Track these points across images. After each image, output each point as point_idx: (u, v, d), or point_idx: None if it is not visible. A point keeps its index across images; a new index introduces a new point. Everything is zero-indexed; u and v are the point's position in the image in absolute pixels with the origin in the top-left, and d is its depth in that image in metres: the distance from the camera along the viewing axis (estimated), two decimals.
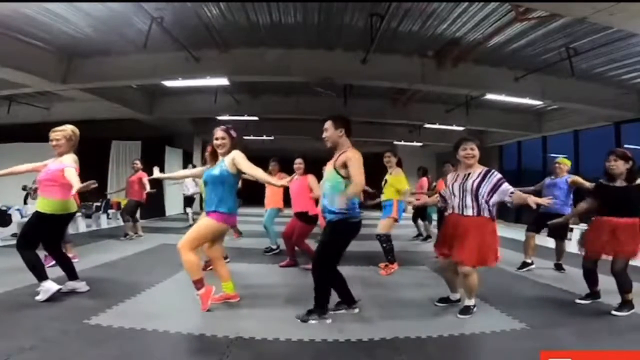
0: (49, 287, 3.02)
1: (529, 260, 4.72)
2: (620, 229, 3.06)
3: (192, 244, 2.92)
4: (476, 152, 2.98)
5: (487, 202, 2.89)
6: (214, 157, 3.13)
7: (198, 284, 2.94)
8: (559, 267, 4.74)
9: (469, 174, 2.99)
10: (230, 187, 3.02)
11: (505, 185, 2.85)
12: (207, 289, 2.97)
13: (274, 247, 5.55)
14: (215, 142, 3.08)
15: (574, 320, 2.93)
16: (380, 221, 4.62)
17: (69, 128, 3.24)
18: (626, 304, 3.07)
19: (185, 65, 6.24)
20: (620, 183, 3.13)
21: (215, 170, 3.00)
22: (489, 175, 2.92)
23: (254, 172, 2.94)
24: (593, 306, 3.26)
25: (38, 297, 2.99)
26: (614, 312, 3.05)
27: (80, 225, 7.24)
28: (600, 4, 3.58)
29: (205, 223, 2.99)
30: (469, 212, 2.93)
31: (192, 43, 5.83)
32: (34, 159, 3.39)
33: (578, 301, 3.38)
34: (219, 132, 3.08)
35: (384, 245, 4.53)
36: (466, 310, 3.01)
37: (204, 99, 9.05)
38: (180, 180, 8.38)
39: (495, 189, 2.86)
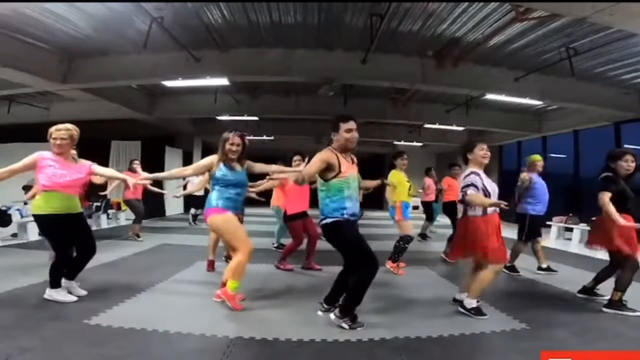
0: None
1: (544, 265, 4.53)
2: None
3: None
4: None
5: None
6: (229, 159, 3.13)
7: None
8: (512, 270, 4.41)
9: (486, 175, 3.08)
10: None
11: None
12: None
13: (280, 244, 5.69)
14: (230, 147, 3.07)
15: (574, 320, 2.92)
16: (407, 222, 4.45)
17: (72, 127, 3.18)
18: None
19: (185, 65, 6.25)
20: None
21: (243, 176, 3.15)
22: None
23: (267, 168, 3.40)
24: (593, 306, 3.26)
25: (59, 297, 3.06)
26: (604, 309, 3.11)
27: None
28: (600, 4, 3.59)
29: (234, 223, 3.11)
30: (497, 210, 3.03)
31: (192, 43, 5.83)
32: None
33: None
34: (236, 139, 3.09)
35: (406, 245, 4.45)
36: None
37: (204, 99, 9.06)
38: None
39: None
